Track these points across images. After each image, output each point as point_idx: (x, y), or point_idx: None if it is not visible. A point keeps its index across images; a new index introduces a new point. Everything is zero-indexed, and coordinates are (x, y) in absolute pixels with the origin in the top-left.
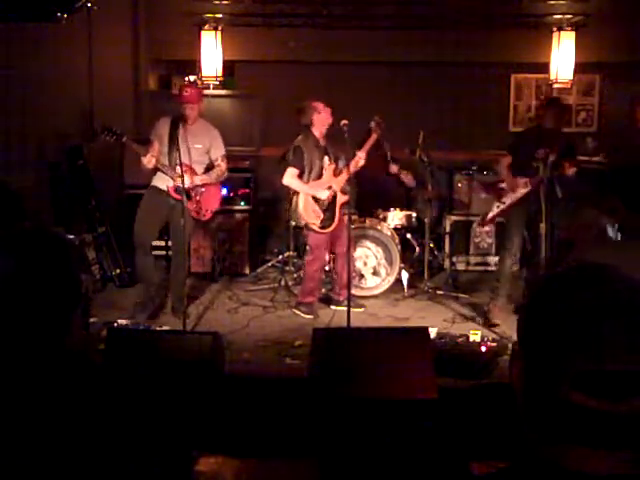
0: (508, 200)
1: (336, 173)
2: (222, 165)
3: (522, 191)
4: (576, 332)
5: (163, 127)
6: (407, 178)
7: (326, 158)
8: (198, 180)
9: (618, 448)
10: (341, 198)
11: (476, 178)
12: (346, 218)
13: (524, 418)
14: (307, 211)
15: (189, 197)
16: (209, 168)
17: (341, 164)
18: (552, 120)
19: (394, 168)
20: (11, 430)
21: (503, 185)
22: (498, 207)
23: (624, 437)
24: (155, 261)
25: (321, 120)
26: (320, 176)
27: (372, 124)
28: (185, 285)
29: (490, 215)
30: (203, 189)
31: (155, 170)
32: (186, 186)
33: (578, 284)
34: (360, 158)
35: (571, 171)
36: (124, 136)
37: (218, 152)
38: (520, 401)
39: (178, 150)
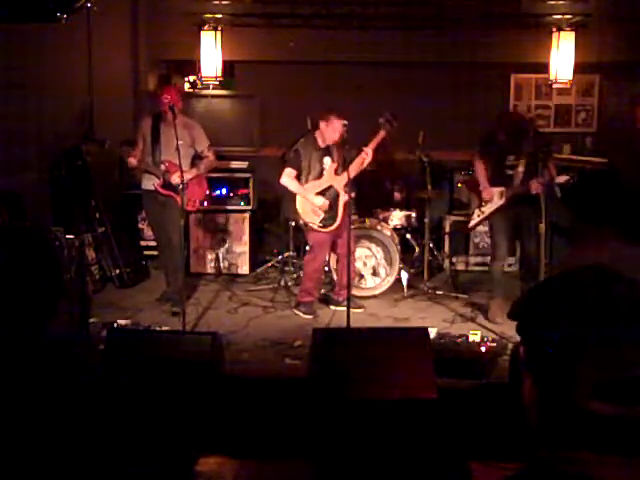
0: (487, 210)
1: (338, 172)
2: (210, 156)
3: (498, 202)
4: (581, 335)
5: (145, 126)
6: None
7: (327, 159)
8: (189, 176)
9: (635, 454)
10: (344, 197)
11: (474, 178)
12: (348, 217)
13: (538, 430)
14: (305, 211)
15: (176, 192)
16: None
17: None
18: (502, 133)
19: (397, 195)
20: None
21: (481, 188)
22: (479, 216)
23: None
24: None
25: (328, 132)
26: (320, 177)
27: (381, 120)
28: (183, 280)
29: (471, 223)
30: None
31: (144, 171)
32: (174, 183)
33: (579, 286)
34: (366, 154)
35: (537, 189)
36: (106, 143)
37: (203, 144)
38: (531, 414)
39: (178, 151)
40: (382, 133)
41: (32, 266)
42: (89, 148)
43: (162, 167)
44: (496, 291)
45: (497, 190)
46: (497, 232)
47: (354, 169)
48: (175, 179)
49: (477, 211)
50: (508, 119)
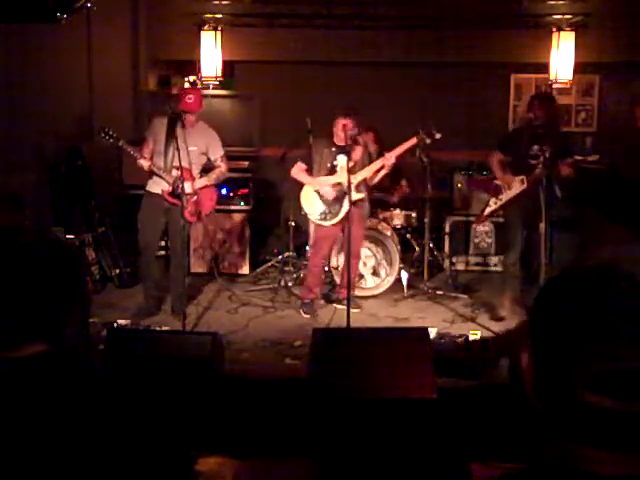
0: (505, 197)
1: (352, 171)
2: (222, 166)
3: (518, 189)
4: (589, 333)
5: (159, 126)
6: (407, 189)
7: (341, 157)
8: (198, 184)
9: (635, 450)
10: (353, 195)
11: (474, 178)
12: (357, 217)
13: (539, 422)
14: (307, 202)
15: (181, 199)
16: (206, 169)
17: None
18: (541, 115)
19: (395, 197)
20: (7, 426)
21: (497, 182)
22: (495, 203)
23: (637, 438)
24: (156, 260)
25: (335, 130)
26: (333, 173)
27: (420, 129)
28: (184, 285)
29: (487, 211)
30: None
31: (151, 173)
32: (186, 191)
33: (588, 284)
34: (387, 159)
35: (567, 172)
36: (120, 140)
37: (217, 153)
38: (535, 407)
39: (178, 151)
40: (413, 140)
41: (54, 273)
42: (90, 148)
43: (175, 173)
44: (506, 289)
45: (518, 177)
46: (512, 227)
47: (369, 171)
48: (188, 188)
49: (493, 199)
50: (547, 102)
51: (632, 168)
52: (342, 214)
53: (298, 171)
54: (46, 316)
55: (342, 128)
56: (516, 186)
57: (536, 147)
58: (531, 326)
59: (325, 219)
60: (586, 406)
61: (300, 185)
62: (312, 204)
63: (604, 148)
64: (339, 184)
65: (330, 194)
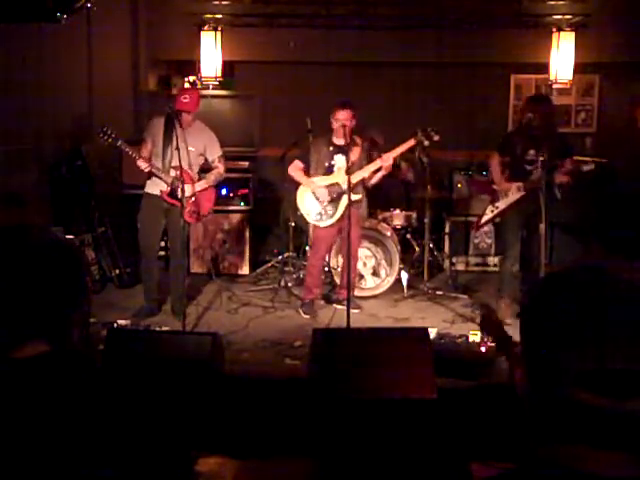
0: (502, 205)
1: (348, 171)
2: (220, 167)
3: (515, 196)
4: (577, 331)
5: (157, 127)
6: (409, 174)
7: (339, 156)
8: (198, 187)
9: (624, 448)
10: (353, 197)
11: (474, 178)
12: (354, 218)
13: (530, 420)
14: (302, 202)
15: (181, 201)
16: (204, 169)
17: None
18: (537, 116)
19: (405, 170)
20: (9, 429)
21: (495, 186)
22: (492, 212)
23: (629, 437)
24: (157, 261)
25: (335, 127)
26: (330, 173)
27: (419, 131)
28: (184, 286)
29: (484, 219)
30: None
31: (149, 174)
32: (181, 194)
33: (578, 283)
34: (383, 160)
35: (564, 180)
36: (119, 140)
37: (215, 153)
38: (526, 404)
39: (178, 150)
40: (411, 142)
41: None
42: (90, 148)
43: (172, 173)
44: (505, 291)
45: (515, 184)
46: (510, 229)
47: (365, 172)
48: (188, 190)
49: (490, 207)
50: (543, 103)
51: (632, 169)
52: (338, 215)
53: (295, 169)
54: (48, 316)
55: (339, 119)
56: (512, 194)
57: (532, 152)
58: (523, 323)
59: (321, 220)
60: (579, 404)
61: (298, 184)
62: (308, 205)
63: (604, 149)
64: (335, 184)
65: (325, 195)
